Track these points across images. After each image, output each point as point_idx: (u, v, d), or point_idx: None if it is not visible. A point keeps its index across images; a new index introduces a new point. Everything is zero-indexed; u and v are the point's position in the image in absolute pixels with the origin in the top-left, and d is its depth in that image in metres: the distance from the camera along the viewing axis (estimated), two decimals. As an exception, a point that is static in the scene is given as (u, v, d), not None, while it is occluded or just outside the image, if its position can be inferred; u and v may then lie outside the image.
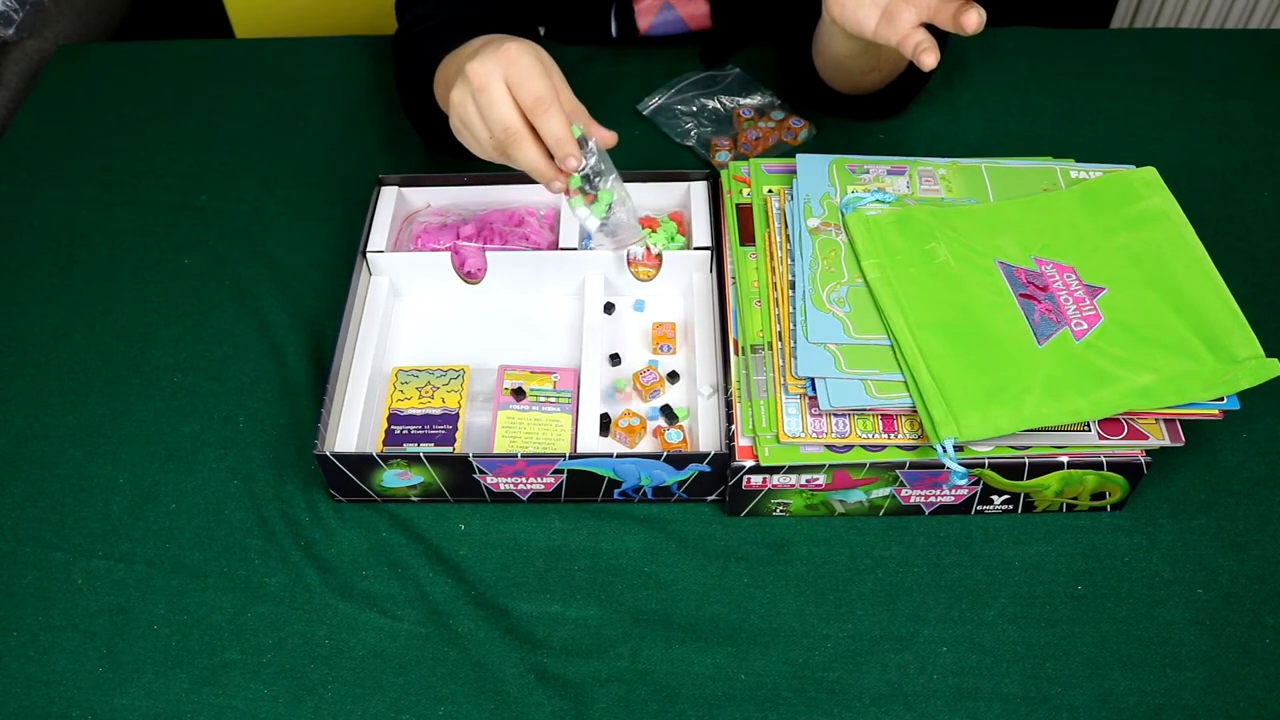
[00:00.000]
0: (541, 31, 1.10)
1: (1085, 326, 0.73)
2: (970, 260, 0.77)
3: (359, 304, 0.84)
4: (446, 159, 1.01)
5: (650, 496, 0.77)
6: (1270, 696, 0.68)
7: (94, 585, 0.75)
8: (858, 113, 1.02)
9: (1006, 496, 0.75)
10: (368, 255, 0.86)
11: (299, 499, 0.79)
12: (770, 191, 0.85)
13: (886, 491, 0.74)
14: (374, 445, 0.79)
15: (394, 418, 0.80)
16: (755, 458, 0.72)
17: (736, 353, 0.78)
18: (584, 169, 0.73)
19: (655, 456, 0.73)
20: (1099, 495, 0.75)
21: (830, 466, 0.71)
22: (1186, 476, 0.78)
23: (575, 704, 0.69)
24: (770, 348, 0.76)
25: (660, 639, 0.71)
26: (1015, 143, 1.02)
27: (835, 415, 0.72)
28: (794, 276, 0.78)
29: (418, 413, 0.80)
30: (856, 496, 0.75)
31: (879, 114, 1.03)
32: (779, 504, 0.75)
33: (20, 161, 1.05)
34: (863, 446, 0.72)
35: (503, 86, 0.70)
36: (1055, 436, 0.72)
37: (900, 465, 0.72)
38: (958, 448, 0.71)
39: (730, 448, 0.73)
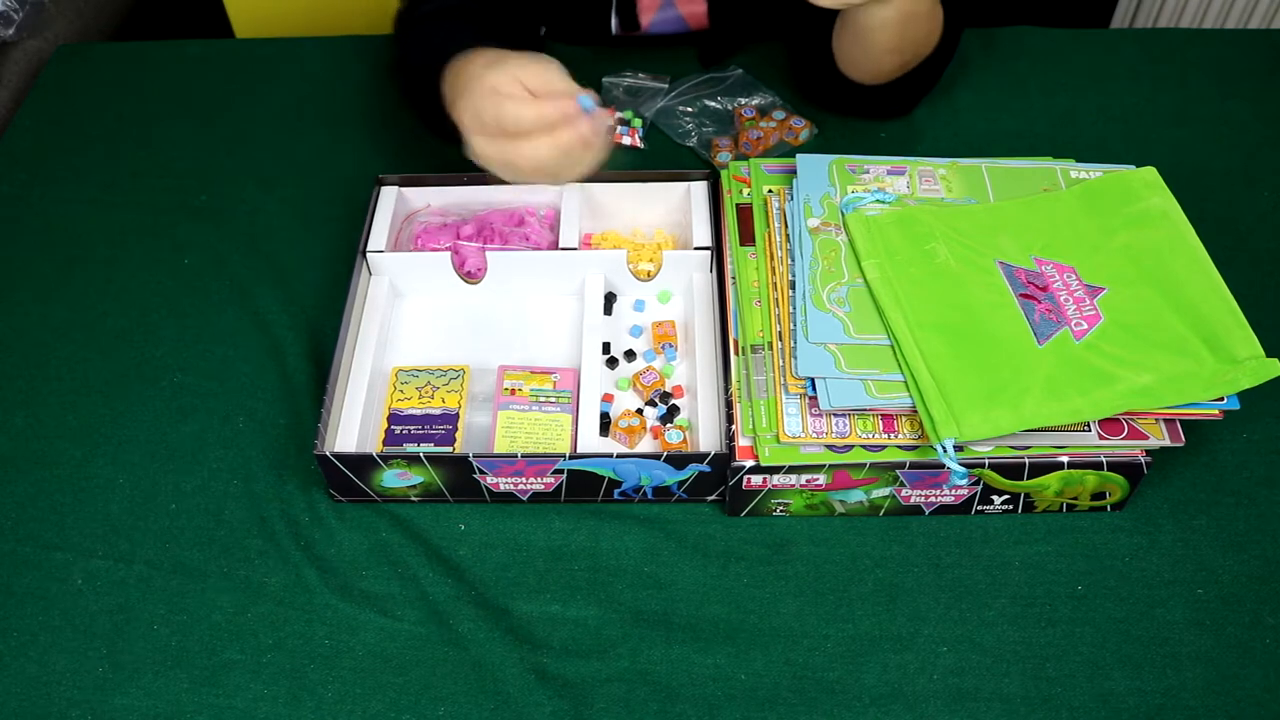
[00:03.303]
0: (542, 31, 1.10)
1: (1085, 326, 0.73)
2: (970, 260, 0.77)
3: (359, 304, 0.84)
4: (446, 159, 1.01)
5: (650, 496, 0.77)
6: (1270, 697, 0.68)
7: (94, 585, 0.75)
8: (867, 110, 1.02)
9: (1006, 496, 0.75)
10: (368, 255, 0.86)
11: (299, 499, 0.79)
12: (770, 191, 0.85)
13: (886, 491, 0.74)
14: (374, 445, 0.79)
15: (394, 418, 0.80)
16: (755, 458, 0.72)
17: (736, 353, 0.78)
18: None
19: (655, 456, 0.73)
20: (1099, 495, 0.75)
21: (830, 466, 0.71)
22: (1186, 476, 0.78)
23: (575, 704, 0.69)
24: (770, 348, 0.76)
25: (660, 639, 0.71)
26: (1015, 143, 1.02)
27: (835, 415, 0.72)
28: (794, 276, 0.78)
29: (418, 413, 0.80)
30: (857, 496, 0.75)
31: (888, 112, 1.03)
32: (779, 504, 0.75)
33: (20, 161, 1.05)
34: (863, 446, 0.72)
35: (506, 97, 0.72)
36: (1055, 436, 0.72)
37: (900, 465, 0.72)
38: (958, 448, 0.71)
39: (730, 448, 0.73)
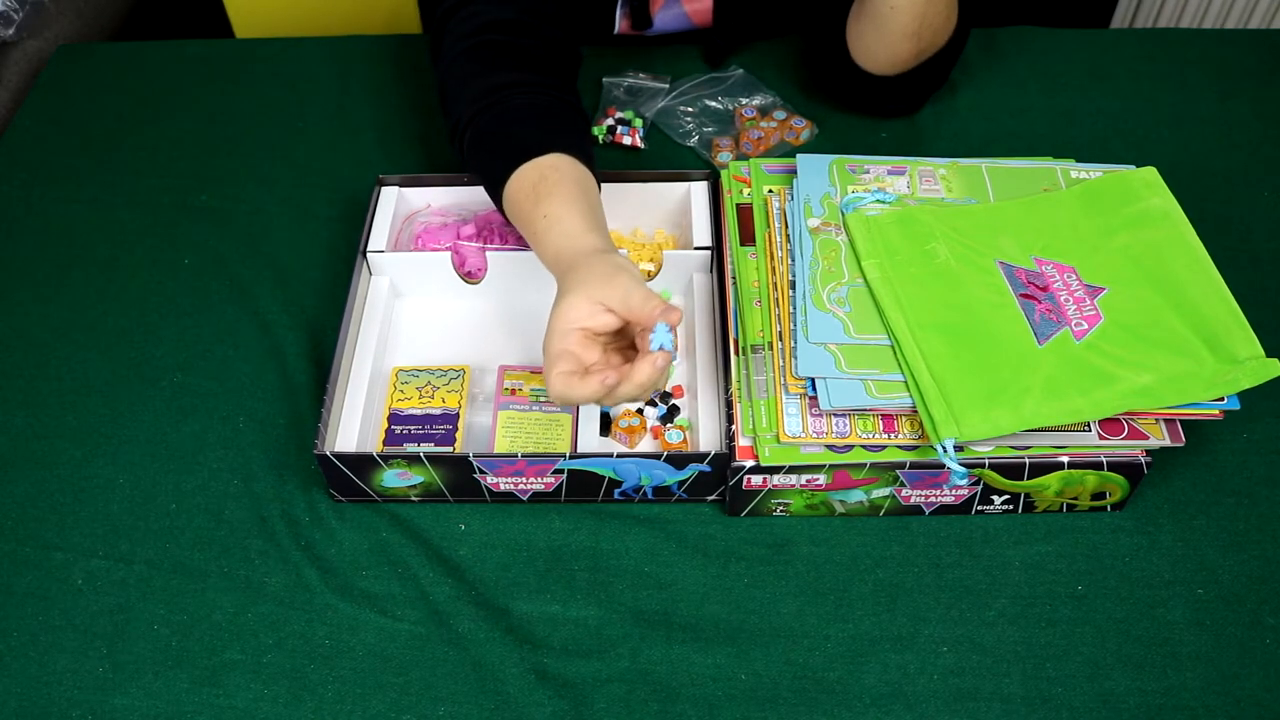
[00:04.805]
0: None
1: (1085, 326, 0.73)
2: (970, 260, 0.77)
3: (359, 304, 0.84)
4: (446, 159, 1.01)
5: (650, 496, 0.77)
6: (1270, 696, 0.68)
7: (94, 585, 0.75)
8: (876, 104, 1.02)
9: (1007, 497, 0.75)
10: (368, 255, 0.86)
11: (299, 499, 0.79)
12: (770, 191, 0.85)
13: (887, 491, 0.74)
14: (374, 445, 0.79)
15: (394, 418, 0.80)
16: (755, 458, 0.72)
17: (736, 353, 0.78)
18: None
19: (655, 456, 0.73)
20: (1099, 495, 0.75)
21: (830, 466, 0.71)
22: (1187, 476, 0.78)
23: (575, 704, 0.69)
24: (770, 348, 0.76)
25: (660, 639, 0.71)
26: (1015, 143, 1.02)
27: (835, 415, 0.72)
28: (794, 276, 0.78)
29: (418, 413, 0.80)
30: (857, 496, 0.75)
31: (896, 109, 1.03)
32: (779, 504, 0.75)
33: (20, 161, 1.05)
34: (863, 447, 0.72)
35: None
36: (1055, 436, 0.72)
37: (900, 465, 0.72)
38: (958, 448, 0.71)
39: (730, 448, 0.73)
